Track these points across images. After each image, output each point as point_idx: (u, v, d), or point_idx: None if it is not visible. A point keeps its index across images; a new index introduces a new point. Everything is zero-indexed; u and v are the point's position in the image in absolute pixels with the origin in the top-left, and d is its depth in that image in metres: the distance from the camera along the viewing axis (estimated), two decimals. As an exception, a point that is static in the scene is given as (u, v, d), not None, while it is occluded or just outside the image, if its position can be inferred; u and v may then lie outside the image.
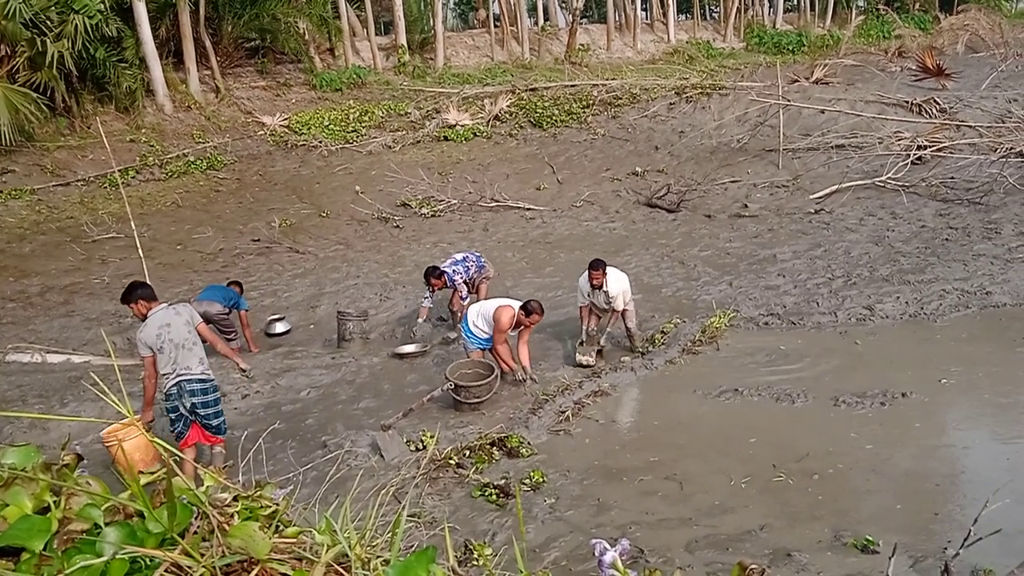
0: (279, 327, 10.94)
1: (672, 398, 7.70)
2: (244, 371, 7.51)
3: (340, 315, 10.44)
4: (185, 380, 6.42)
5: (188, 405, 6.48)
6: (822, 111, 18.60)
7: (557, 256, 13.32)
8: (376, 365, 9.60)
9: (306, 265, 13.50)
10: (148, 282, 7.17)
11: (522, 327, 8.47)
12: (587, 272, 8.99)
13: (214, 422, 6.67)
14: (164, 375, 6.43)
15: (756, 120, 18.91)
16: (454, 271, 10.03)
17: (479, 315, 8.55)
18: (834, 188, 15.07)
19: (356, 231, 15.20)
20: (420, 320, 10.12)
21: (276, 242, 14.47)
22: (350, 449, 6.80)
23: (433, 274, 9.85)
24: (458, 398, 7.88)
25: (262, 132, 20.33)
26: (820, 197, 14.93)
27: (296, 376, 9.22)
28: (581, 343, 9.22)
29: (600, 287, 8.93)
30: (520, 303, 8.39)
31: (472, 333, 8.58)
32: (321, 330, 11.05)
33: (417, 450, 6.69)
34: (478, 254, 10.78)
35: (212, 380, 6.67)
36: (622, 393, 7.98)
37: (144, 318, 6.50)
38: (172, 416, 6.56)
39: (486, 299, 9.47)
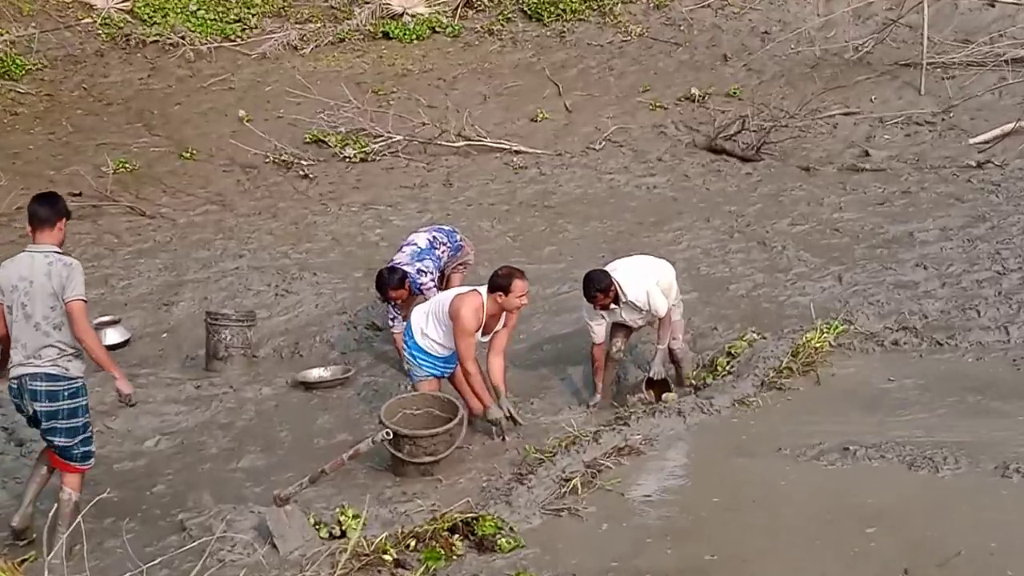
0: (111, 335, 10.86)
1: (742, 460, 7.70)
2: None
3: (211, 318, 10.42)
4: (29, 375, 6.61)
5: (30, 412, 6.70)
6: (992, 4, 18.63)
7: (563, 228, 13.33)
8: (268, 399, 9.59)
9: (157, 236, 13.46)
10: None
11: (494, 331, 8.34)
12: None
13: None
14: None
15: (885, 16, 18.94)
16: (419, 271, 9.72)
17: (429, 317, 8.33)
18: (1009, 127, 15.14)
19: (239, 183, 15.16)
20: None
21: (109, 198, 14.40)
22: (224, 534, 6.77)
23: (391, 282, 9.50)
24: (399, 455, 7.86)
25: (89, 19, 20.22)
26: (986, 141, 15.02)
27: (138, 415, 9.17)
28: (595, 403, 9.13)
29: (616, 301, 8.82)
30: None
31: (420, 350, 8.37)
32: (179, 341, 11.05)
33: (332, 538, 6.67)
34: (450, 228, 10.69)
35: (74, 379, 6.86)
36: (661, 451, 7.97)
37: None
38: None
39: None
